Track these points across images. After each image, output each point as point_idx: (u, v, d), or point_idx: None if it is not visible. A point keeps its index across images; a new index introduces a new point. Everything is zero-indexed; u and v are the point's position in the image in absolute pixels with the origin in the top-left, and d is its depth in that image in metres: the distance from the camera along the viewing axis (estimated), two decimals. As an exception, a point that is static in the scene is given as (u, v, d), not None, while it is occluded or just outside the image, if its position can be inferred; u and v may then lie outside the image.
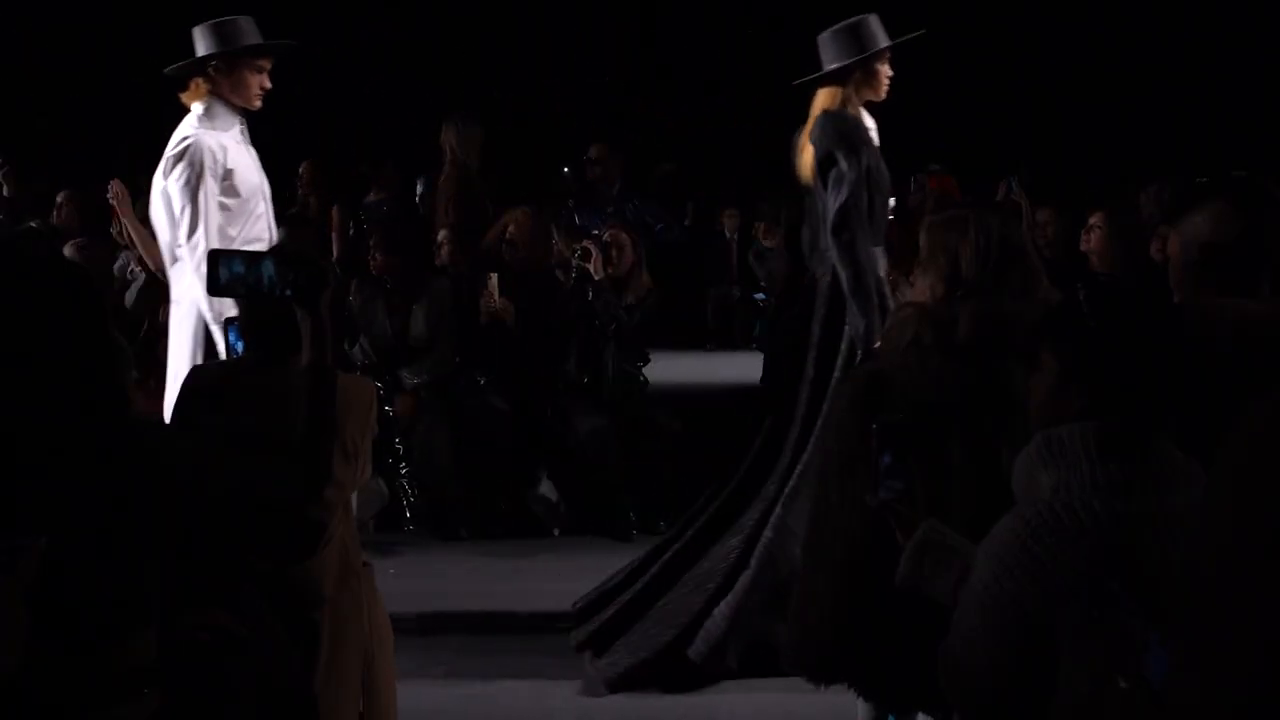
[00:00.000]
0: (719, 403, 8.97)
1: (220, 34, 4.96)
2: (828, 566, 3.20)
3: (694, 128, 13.59)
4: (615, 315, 6.76)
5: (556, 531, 6.59)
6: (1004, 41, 12.50)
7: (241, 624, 2.74)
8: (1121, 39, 12.71)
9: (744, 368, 9.80)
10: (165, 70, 5.06)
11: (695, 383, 9.80)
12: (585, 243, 6.90)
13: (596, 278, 6.75)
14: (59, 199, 8.27)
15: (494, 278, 6.92)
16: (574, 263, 6.89)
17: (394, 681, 3.48)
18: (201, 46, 4.99)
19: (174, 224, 4.94)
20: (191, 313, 4.97)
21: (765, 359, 8.33)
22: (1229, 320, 2.71)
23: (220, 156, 4.92)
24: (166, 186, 4.92)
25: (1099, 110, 12.70)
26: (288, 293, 2.63)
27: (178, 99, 5.07)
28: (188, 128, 4.96)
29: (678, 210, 11.85)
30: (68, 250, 6.33)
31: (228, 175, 4.94)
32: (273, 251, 2.91)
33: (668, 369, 8.10)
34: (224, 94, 4.98)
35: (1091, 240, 6.61)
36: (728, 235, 13.15)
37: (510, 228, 7.18)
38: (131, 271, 7.28)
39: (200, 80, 4.98)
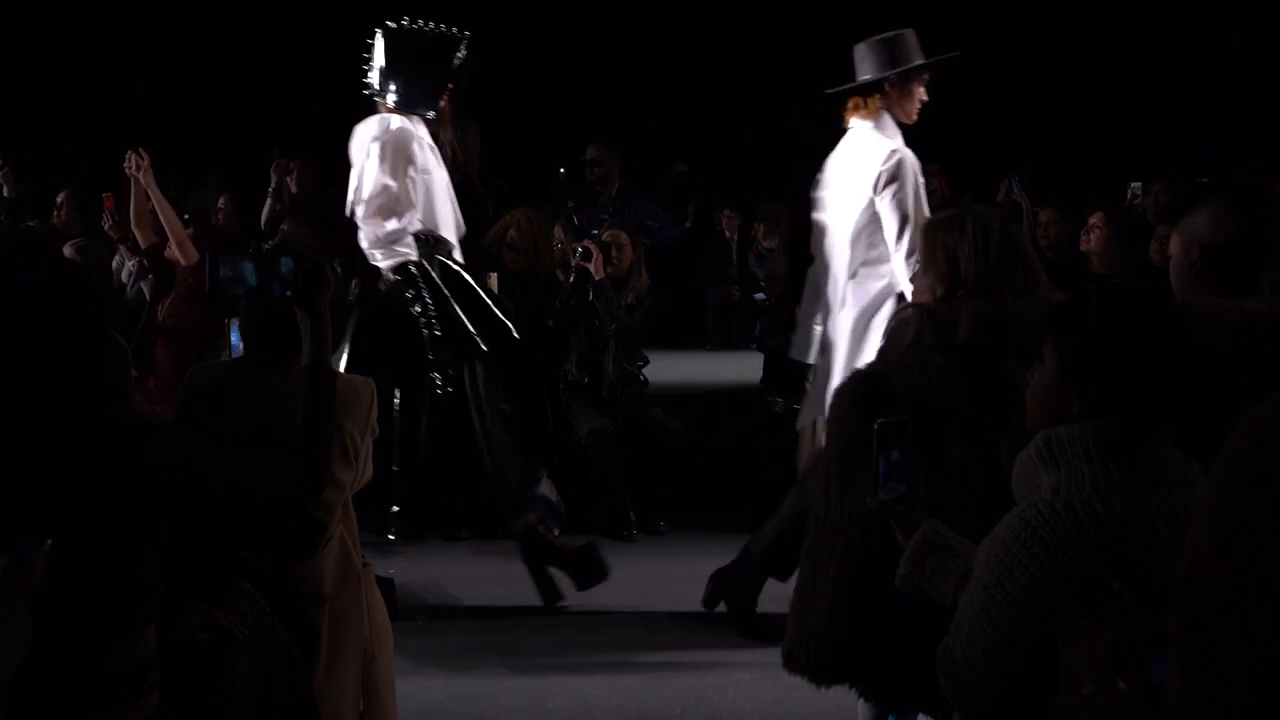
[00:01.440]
0: (719, 403, 8.98)
1: (893, 51, 5.00)
2: (828, 566, 3.20)
3: (694, 128, 13.59)
4: (615, 315, 6.77)
5: (556, 531, 6.58)
6: (1005, 41, 12.50)
7: (241, 624, 2.74)
8: (1121, 39, 12.72)
9: (744, 368, 9.80)
10: (827, 90, 5.08)
11: (695, 383, 9.80)
12: (585, 243, 6.90)
13: (597, 278, 6.75)
14: (59, 199, 8.27)
15: (494, 278, 6.91)
16: (574, 262, 6.90)
17: (394, 681, 3.48)
18: (871, 64, 5.02)
19: (858, 240, 4.94)
20: (857, 323, 4.96)
21: (765, 359, 8.33)
22: (1229, 320, 2.71)
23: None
24: (875, 200, 4.91)
25: (1099, 110, 12.70)
26: (287, 293, 2.63)
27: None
28: (889, 141, 4.96)
29: (679, 212, 11.85)
30: (67, 250, 6.34)
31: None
32: (272, 251, 2.91)
33: (668, 369, 8.12)
34: (893, 109, 5.02)
35: (1091, 240, 6.62)
36: (728, 235, 13.15)
37: (511, 231, 7.18)
38: (129, 272, 7.28)
39: (875, 97, 5.01)
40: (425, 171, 5.41)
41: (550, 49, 13.02)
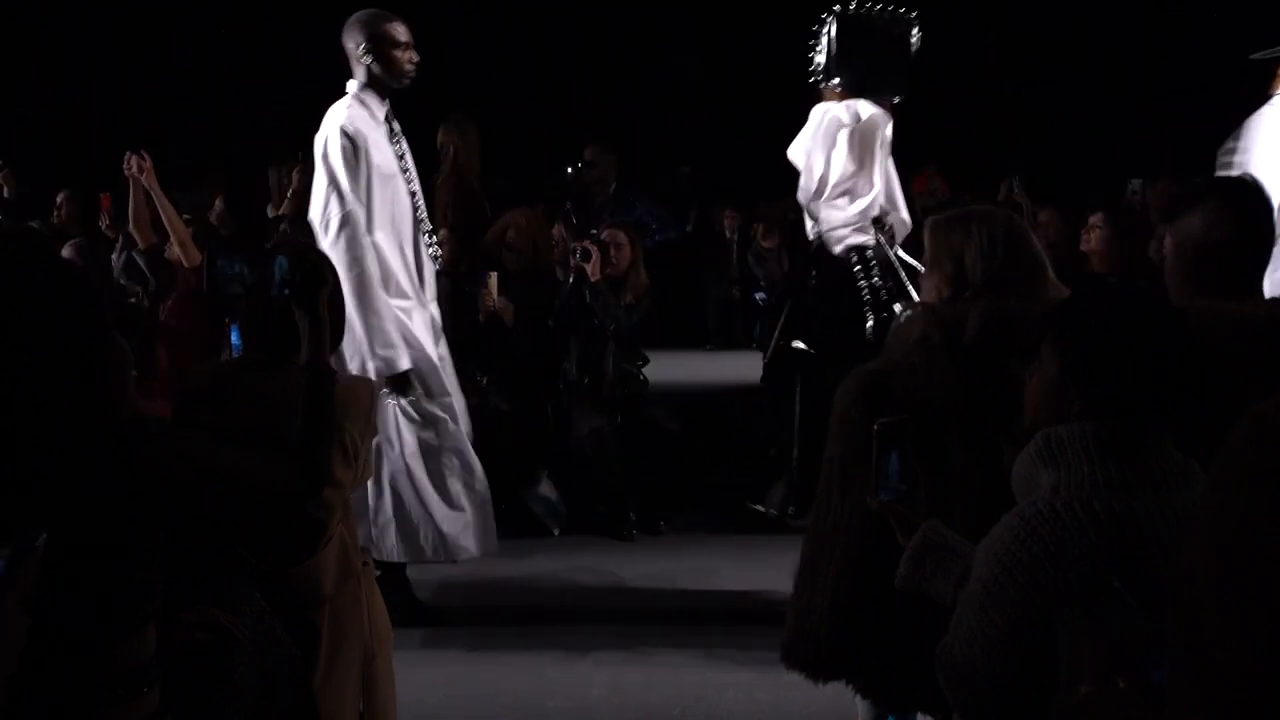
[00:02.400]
0: (719, 403, 8.98)
1: None
2: (828, 566, 3.20)
3: (695, 129, 13.60)
4: (615, 315, 6.76)
5: (556, 531, 6.59)
6: (1005, 41, 12.50)
7: (241, 624, 2.74)
8: (1122, 39, 12.71)
9: (744, 368, 9.80)
10: (1251, 56, 4.94)
11: (695, 383, 9.81)
12: (584, 243, 6.90)
13: (593, 279, 6.74)
14: (59, 199, 8.27)
15: (493, 277, 6.92)
16: (572, 263, 6.90)
17: (393, 680, 3.47)
18: None
19: None
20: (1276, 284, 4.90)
21: (765, 359, 8.33)
22: (1230, 322, 2.71)
23: None
24: None
25: (1099, 110, 12.70)
26: (286, 292, 2.63)
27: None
28: None
29: (681, 214, 11.85)
30: (67, 250, 6.34)
31: None
32: (271, 250, 2.91)
33: (668, 369, 8.11)
34: None
35: (1091, 240, 6.62)
36: (728, 235, 13.16)
37: (511, 231, 7.18)
38: (118, 254, 7.24)
39: None
40: (888, 155, 5.36)
41: (552, 49, 13.02)
